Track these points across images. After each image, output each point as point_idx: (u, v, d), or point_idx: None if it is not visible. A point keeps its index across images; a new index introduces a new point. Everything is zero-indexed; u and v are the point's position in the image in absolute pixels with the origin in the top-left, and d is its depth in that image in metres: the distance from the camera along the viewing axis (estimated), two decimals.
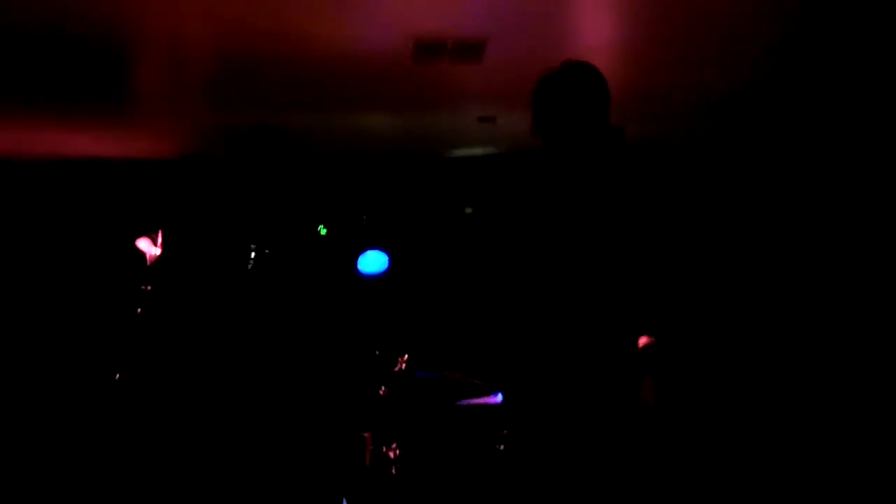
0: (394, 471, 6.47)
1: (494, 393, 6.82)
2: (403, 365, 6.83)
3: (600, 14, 4.34)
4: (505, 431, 6.50)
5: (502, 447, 6.55)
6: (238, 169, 6.59)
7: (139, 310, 6.25)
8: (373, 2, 4.07)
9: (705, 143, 6.48)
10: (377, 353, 6.90)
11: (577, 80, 3.01)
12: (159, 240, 6.45)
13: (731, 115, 5.95)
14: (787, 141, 6.39)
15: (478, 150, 6.55)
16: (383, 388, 6.72)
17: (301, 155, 6.59)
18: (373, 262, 7.37)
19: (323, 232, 7.22)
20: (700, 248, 6.88)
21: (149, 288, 6.36)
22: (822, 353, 6.51)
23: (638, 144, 6.21)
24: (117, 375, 6.07)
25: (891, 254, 6.41)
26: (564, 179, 2.94)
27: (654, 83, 5.25)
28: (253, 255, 7.03)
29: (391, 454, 6.52)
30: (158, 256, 6.43)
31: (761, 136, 6.36)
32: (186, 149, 6.38)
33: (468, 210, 7.22)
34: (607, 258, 2.79)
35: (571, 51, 4.69)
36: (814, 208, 6.67)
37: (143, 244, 6.43)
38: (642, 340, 5.92)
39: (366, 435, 6.59)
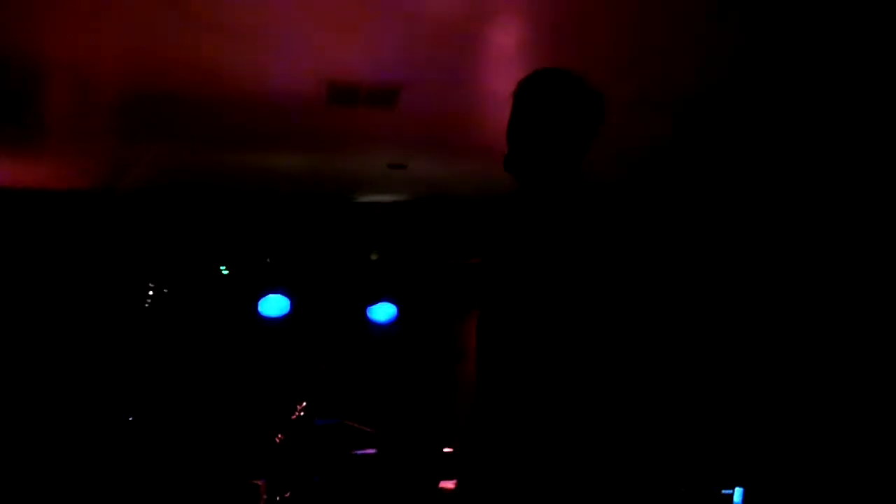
0: None
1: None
2: (302, 412, 6.74)
3: (515, 67, 4.40)
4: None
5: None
6: (140, 204, 6.44)
7: (31, 347, 6.03)
8: (288, 43, 4.05)
9: (629, 192, 6.59)
10: (275, 398, 6.79)
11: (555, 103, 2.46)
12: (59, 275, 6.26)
13: (649, 166, 6.07)
14: (725, 182, 6.52)
15: (386, 197, 6.55)
16: (280, 435, 6.60)
17: (206, 191, 6.48)
18: (274, 305, 7.26)
19: (225, 272, 7.10)
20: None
21: (44, 324, 6.16)
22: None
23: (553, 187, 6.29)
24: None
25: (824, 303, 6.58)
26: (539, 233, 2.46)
27: None
28: (151, 293, 6.86)
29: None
30: (55, 292, 6.24)
31: (691, 181, 6.47)
32: (90, 183, 6.21)
33: (374, 256, 7.20)
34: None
35: (485, 101, 4.79)
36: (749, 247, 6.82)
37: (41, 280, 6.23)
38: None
39: (259, 483, 6.45)
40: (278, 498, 6.35)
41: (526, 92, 2.48)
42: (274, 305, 7.24)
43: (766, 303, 6.78)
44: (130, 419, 6.63)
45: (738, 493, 5.86)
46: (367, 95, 4.62)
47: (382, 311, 7.41)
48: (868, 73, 4.39)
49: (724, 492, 5.90)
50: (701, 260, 6.89)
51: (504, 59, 4.34)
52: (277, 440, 6.57)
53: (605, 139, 2.49)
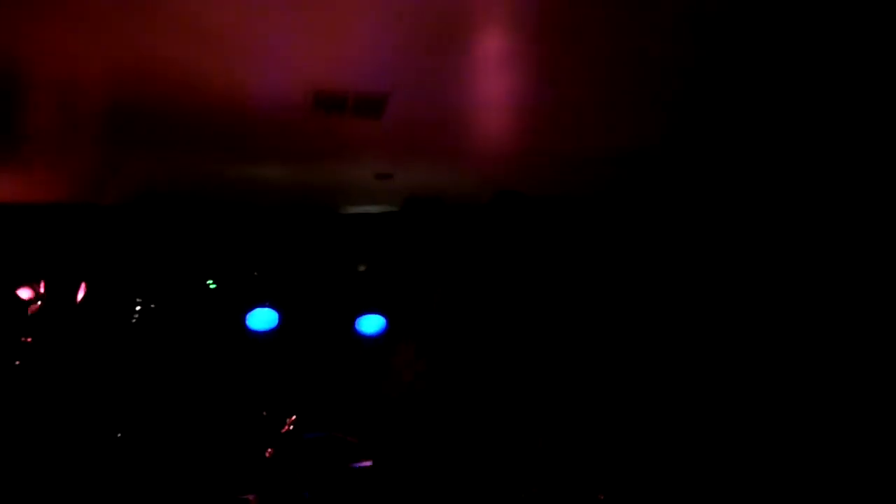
0: None
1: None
2: (291, 426, 6.70)
3: (501, 76, 4.42)
4: None
5: None
6: (127, 218, 6.40)
7: (17, 362, 5.96)
8: (273, 51, 4.05)
9: (602, 200, 6.62)
10: (264, 413, 6.75)
11: None
12: (41, 289, 6.19)
13: (629, 174, 6.10)
14: (689, 198, 6.58)
15: (374, 208, 6.53)
16: (270, 449, 6.56)
17: (193, 205, 6.45)
18: (262, 318, 7.22)
19: (212, 286, 7.06)
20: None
21: (29, 340, 6.09)
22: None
23: (536, 200, 6.36)
24: None
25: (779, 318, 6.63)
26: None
27: (553, 143, 5.36)
28: (138, 308, 6.82)
29: None
30: (40, 307, 6.16)
31: (661, 192, 6.53)
32: (74, 196, 6.17)
33: (361, 268, 7.17)
34: None
35: (472, 111, 4.81)
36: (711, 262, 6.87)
37: (24, 293, 6.16)
38: None
39: (250, 498, 6.40)
40: None
41: None
42: (262, 319, 7.21)
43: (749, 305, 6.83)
44: (119, 435, 6.57)
45: None
46: (355, 105, 4.61)
47: (371, 324, 7.38)
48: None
49: None
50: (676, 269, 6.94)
51: (491, 69, 4.35)
52: (267, 454, 6.53)
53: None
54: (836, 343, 6.50)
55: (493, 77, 4.46)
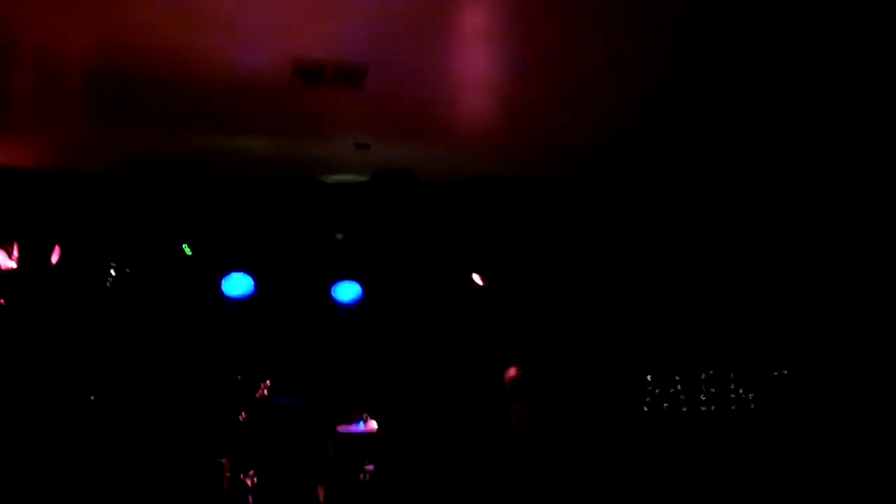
0: (251, 499, 6.36)
1: (357, 421, 6.81)
2: (266, 391, 6.74)
3: (483, 49, 4.42)
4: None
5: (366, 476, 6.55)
6: (102, 184, 6.36)
7: None
8: (251, 21, 4.01)
9: (583, 185, 6.66)
10: (238, 377, 6.78)
11: None
12: (15, 252, 6.16)
13: (611, 158, 6.13)
14: (670, 183, 6.62)
15: (351, 177, 6.53)
16: (243, 413, 6.60)
17: (171, 173, 6.42)
18: (238, 284, 7.23)
19: (188, 252, 7.04)
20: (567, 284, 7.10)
21: (1, 302, 6.07)
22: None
23: (514, 182, 6.37)
24: None
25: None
26: None
27: (535, 121, 5.37)
28: (113, 272, 6.80)
29: (248, 482, 6.41)
30: (13, 270, 6.14)
31: (644, 175, 6.56)
32: (51, 162, 6.13)
33: (339, 236, 7.18)
34: None
35: (451, 81, 4.80)
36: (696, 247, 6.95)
37: None
38: (510, 372, 6.05)
39: (223, 461, 6.45)
40: (242, 476, 6.37)
41: None
42: (237, 285, 7.22)
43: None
44: (92, 398, 6.59)
45: None
46: (334, 75, 4.59)
47: (347, 291, 7.41)
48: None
49: None
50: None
51: (473, 41, 4.34)
52: (241, 418, 6.58)
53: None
54: (824, 325, 6.61)
55: (475, 53, 4.46)
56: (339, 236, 7.12)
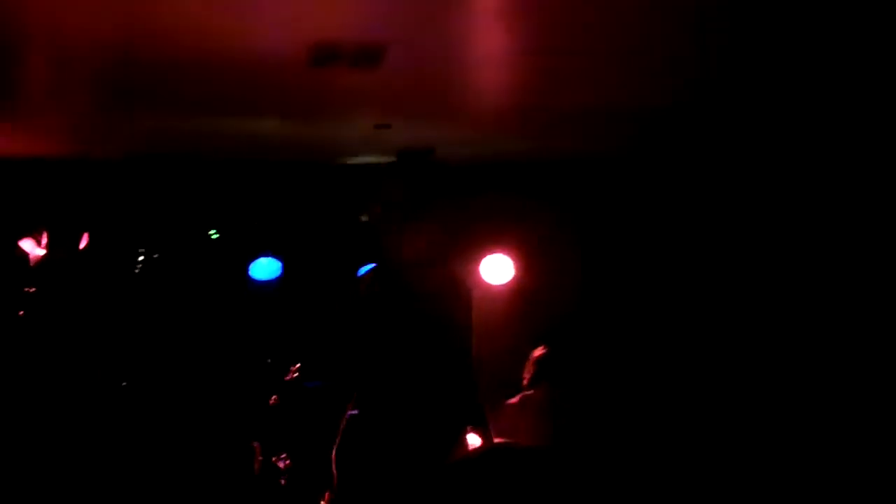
0: (283, 481, 6.38)
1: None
2: (295, 374, 6.75)
3: (503, 26, 4.34)
4: None
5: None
6: (128, 171, 6.39)
7: (21, 312, 6.00)
8: (266, 1, 3.98)
9: (608, 160, 6.59)
10: (268, 361, 6.80)
11: None
12: (44, 241, 6.21)
13: (637, 132, 6.05)
14: (695, 160, 6.52)
15: (373, 158, 6.51)
16: (274, 397, 6.62)
17: (194, 158, 6.44)
18: (265, 268, 7.25)
19: (214, 237, 7.07)
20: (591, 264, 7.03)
21: (32, 290, 6.11)
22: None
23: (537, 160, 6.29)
24: None
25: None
26: None
27: (557, 97, 5.29)
28: (141, 258, 6.84)
29: (280, 464, 6.43)
30: (42, 258, 6.19)
31: (667, 153, 6.47)
32: (75, 149, 6.17)
33: (363, 218, 7.16)
34: None
35: (472, 59, 4.75)
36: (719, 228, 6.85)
37: (27, 245, 6.19)
38: (538, 351, 6.00)
39: (255, 444, 6.47)
40: (273, 459, 6.39)
41: None
42: (265, 268, 7.24)
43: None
44: (124, 384, 6.64)
45: None
46: (352, 55, 4.54)
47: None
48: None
49: None
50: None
51: (490, 15, 4.27)
52: (271, 402, 6.59)
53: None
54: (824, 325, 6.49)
55: (497, 27, 4.39)
56: (364, 218, 7.10)
